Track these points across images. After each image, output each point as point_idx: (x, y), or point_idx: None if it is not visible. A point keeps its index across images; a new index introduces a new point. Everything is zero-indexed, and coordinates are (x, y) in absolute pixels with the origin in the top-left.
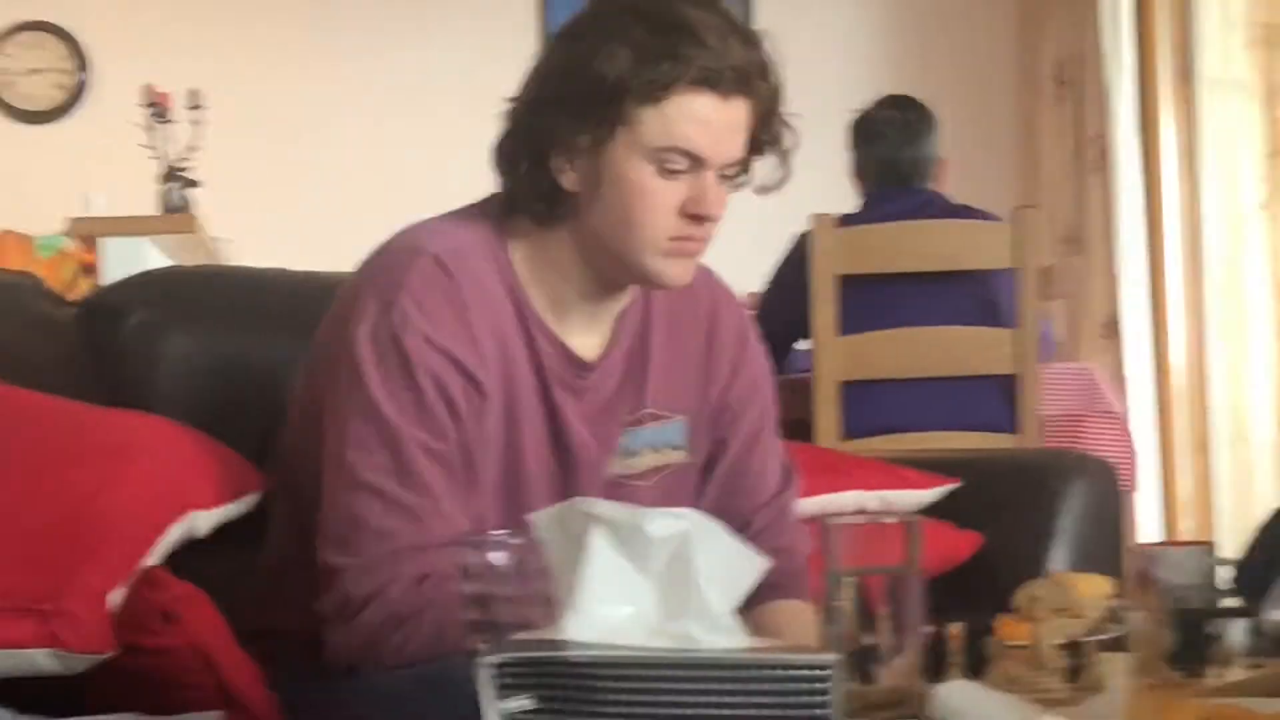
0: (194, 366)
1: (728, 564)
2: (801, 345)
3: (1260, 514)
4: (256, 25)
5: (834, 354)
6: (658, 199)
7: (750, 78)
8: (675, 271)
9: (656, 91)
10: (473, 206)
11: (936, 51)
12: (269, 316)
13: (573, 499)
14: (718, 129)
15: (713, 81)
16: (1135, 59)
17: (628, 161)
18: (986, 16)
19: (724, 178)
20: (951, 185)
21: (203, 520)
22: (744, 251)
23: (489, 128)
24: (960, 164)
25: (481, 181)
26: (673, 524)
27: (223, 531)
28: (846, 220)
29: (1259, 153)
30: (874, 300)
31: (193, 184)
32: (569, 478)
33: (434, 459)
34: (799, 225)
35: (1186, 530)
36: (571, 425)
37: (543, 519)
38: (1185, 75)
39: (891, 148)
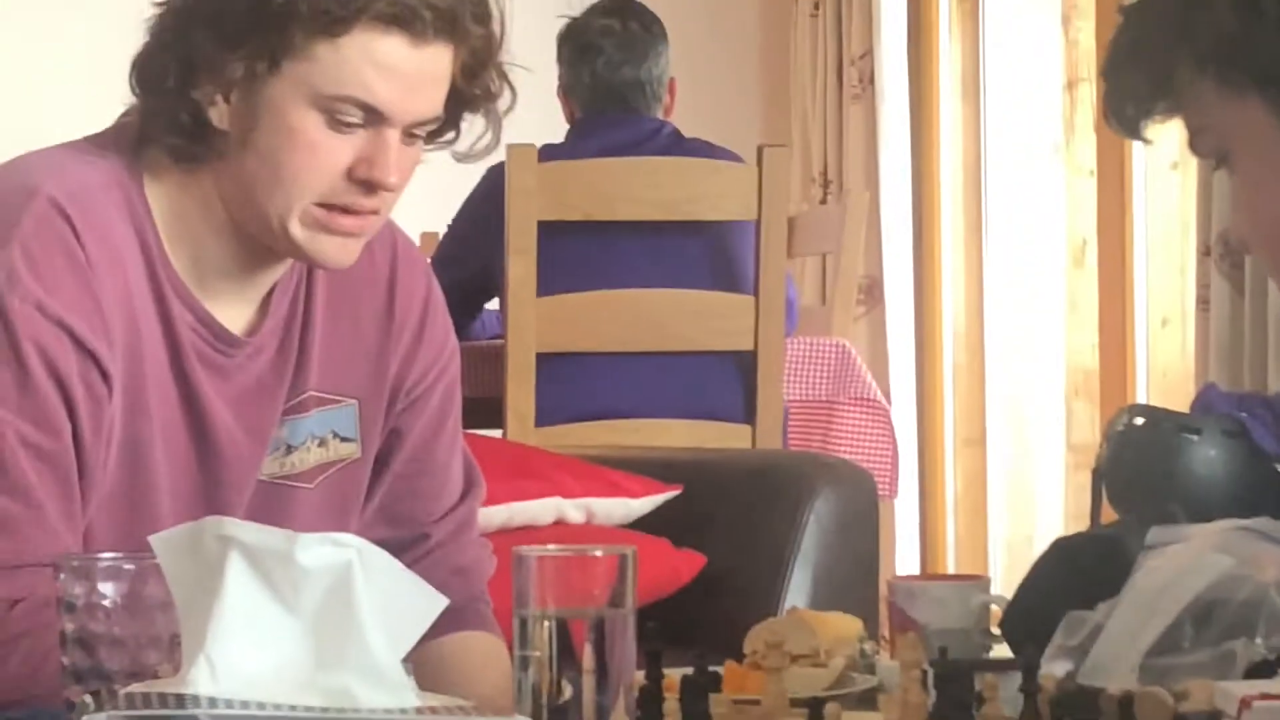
0: None
1: (398, 602)
2: (492, 306)
3: (1044, 524)
4: None
5: (530, 319)
6: (320, 156)
7: (458, 19)
8: (329, 249)
9: (334, 24)
10: (103, 135)
11: None
12: None
13: (204, 519)
14: (407, 80)
15: (405, 20)
16: None
17: (290, 104)
18: None
19: (411, 137)
20: (682, 114)
21: None
22: (425, 185)
23: (102, 34)
24: (693, 87)
25: (95, 112)
26: (331, 552)
27: None
28: (550, 153)
29: (1055, 83)
30: (582, 254)
31: None
32: (211, 480)
33: (39, 458)
34: (494, 156)
35: (954, 543)
36: (214, 411)
37: (165, 541)
38: None
39: (608, 65)
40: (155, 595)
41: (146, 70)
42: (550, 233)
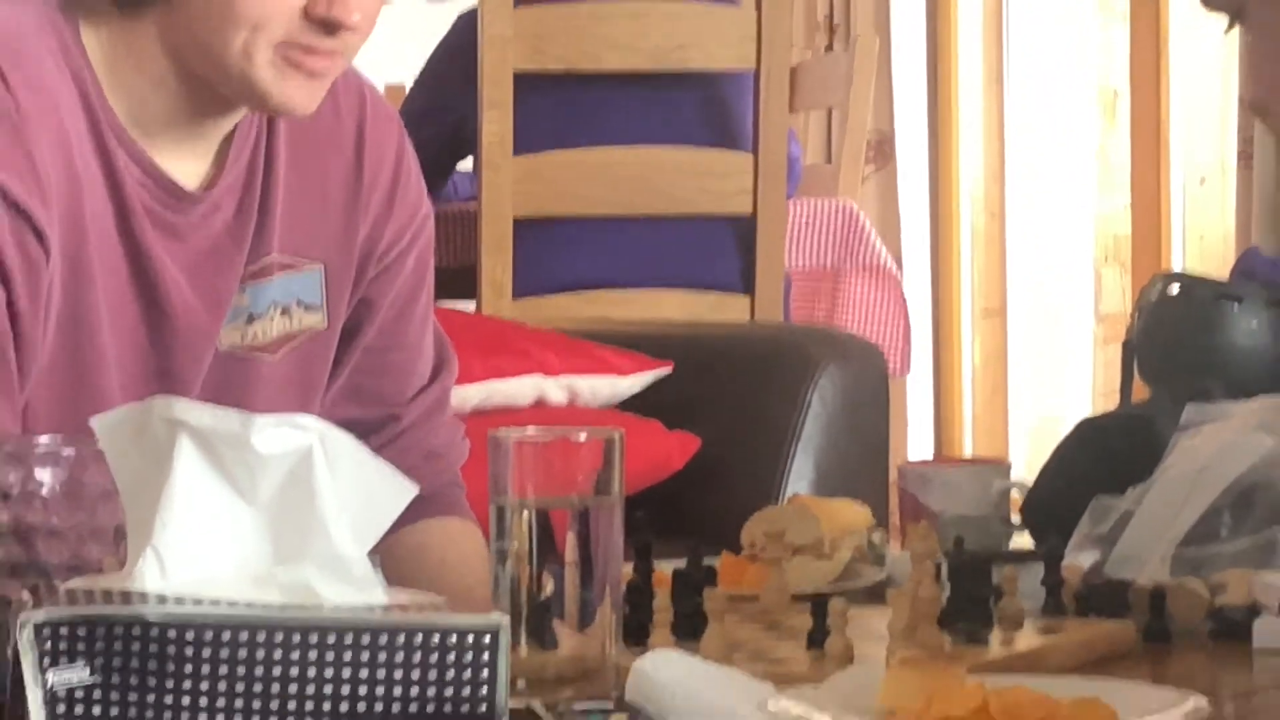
0: None
1: (365, 489)
2: (465, 166)
3: (1071, 403)
4: None
5: (507, 179)
6: None
7: None
8: (290, 93)
9: None
10: None
11: None
12: None
13: (152, 399)
14: None
15: None
16: None
17: None
18: None
19: None
20: None
21: None
22: (390, 32)
23: None
24: None
25: None
26: (291, 436)
27: None
28: None
29: None
30: (563, 107)
31: None
32: (163, 352)
33: None
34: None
35: (972, 424)
36: (167, 277)
37: (109, 424)
38: None
39: None
40: (97, 483)
41: None
42: (528, 85)
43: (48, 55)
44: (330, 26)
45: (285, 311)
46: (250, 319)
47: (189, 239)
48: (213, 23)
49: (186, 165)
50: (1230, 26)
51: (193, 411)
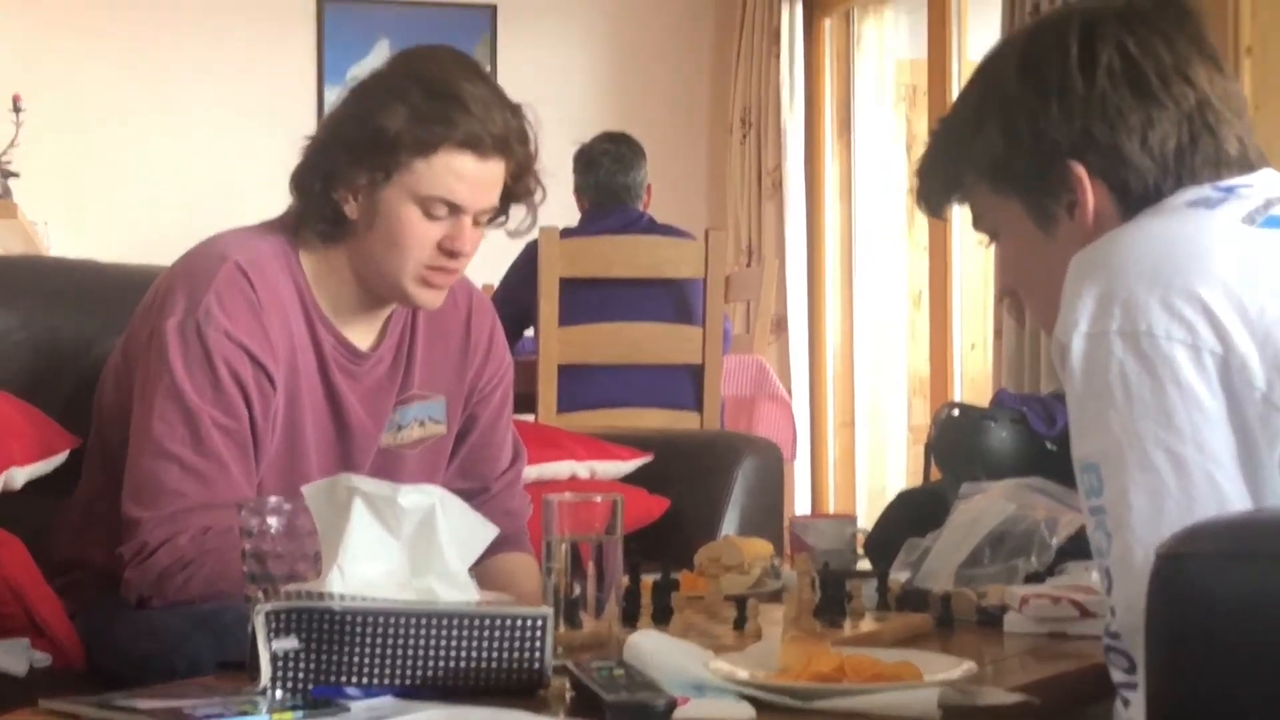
0: (11, 342)
1: (466, 531)
2: (529, 333)
3: (893, 481)
4: (72, 32)
5: (555, 341)
6: (419, 235)
7: (509, 143)
8: (427, 297)
9: (426, 148)
10: (272, 221)
11: (645, 94)
12: (78, 300)
13: (339, 474)
14: (476, 184)
15: (474, 144)
16: (804, 107)
17: (398, 202)
18: (685, 66)
19: (477, 223)
20: (655, 206)
21: (19, 475)
22: (484, 255)
23: (271, 141)
24: (663, 189)
25: (262, 193)
26: (421, 498)
27: (35, 484)
28: (568, 233)
29: (902, 188)
30: (590, 299)
31: (13, 175)
32: (346, 448)
33: (225, 433)
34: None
35: (833, 491)
36: (348, 403)
37: (312, 490)
38: (845, 124)
39: (607, 174)
40: (305, 526)
41: (301, 180)
42: (569, 285)
43: (280, 273)
44: (453, 255)
45: (422, 424)
46: (399, 428)
47: (363, 380)
48: (385, 255)
49: (363, 334)
50: (990, 242)
51: (363, 482)
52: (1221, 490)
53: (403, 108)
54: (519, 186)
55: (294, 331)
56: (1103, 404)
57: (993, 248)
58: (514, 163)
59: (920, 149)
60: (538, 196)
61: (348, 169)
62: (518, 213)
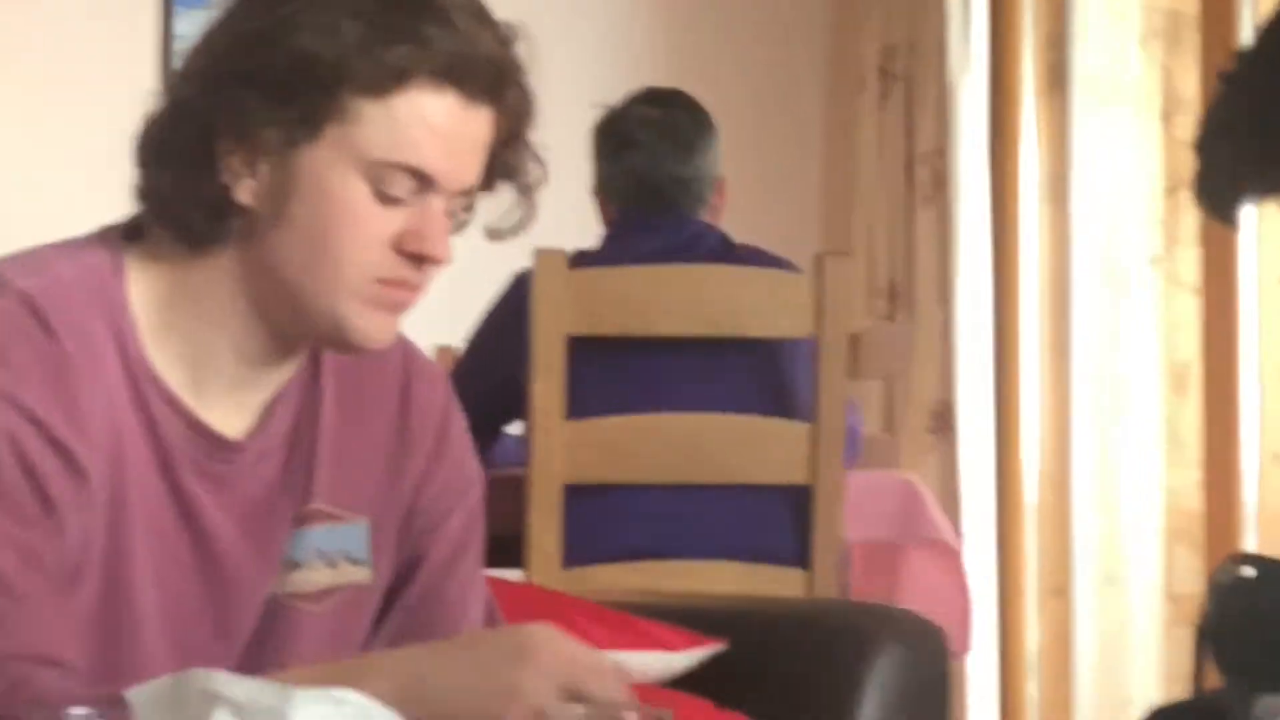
0: None
1: None
2: (514, 429)
3: (1139, 688)
4: None
5: (558, 444)
6: (368, 227)
7: (504, 79)
8: (375, 326)
9: (388, 80)
10: (95, 233)
11: (723, 37)
12: None
13: (190, 670)
14: (457, 142)
15: (459, 75)
16: (989, 52)
17: (334, 171)
18: None
19: (449, 214)
20: (732, 217)
21: None
22: (442, 293)
23: (88, 117)
24: (746, 187)
25: (81, 196)
26: (325, 711)
27: None
28: (583, 259)
29: (1154, 188)
30: (617, 372)
31: None
32: (218, 602)
33: (16, 551)
34: (520, 260)
35: (1037, 706)
36: (213, 525)
37: (144, 696)
38: (1056, 77)
39: (649, 158)
40: None
41: (158, 143)
42: (581, 348)
43: (92, 310)
44: (419, 260)
45: (331, 564)
46: (294, 566)
47: (237, 487)
48: (305, 262)
49: (229, 415)
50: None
51: (230, 685)
52: None
53: (346, 20)
54: (508, 157)
55: (118, 411)
56: None
57: None
58: (505, 117)
59: (1192, 115)
60: (534, 177)
61: (247, 118)
62: (498, 202)
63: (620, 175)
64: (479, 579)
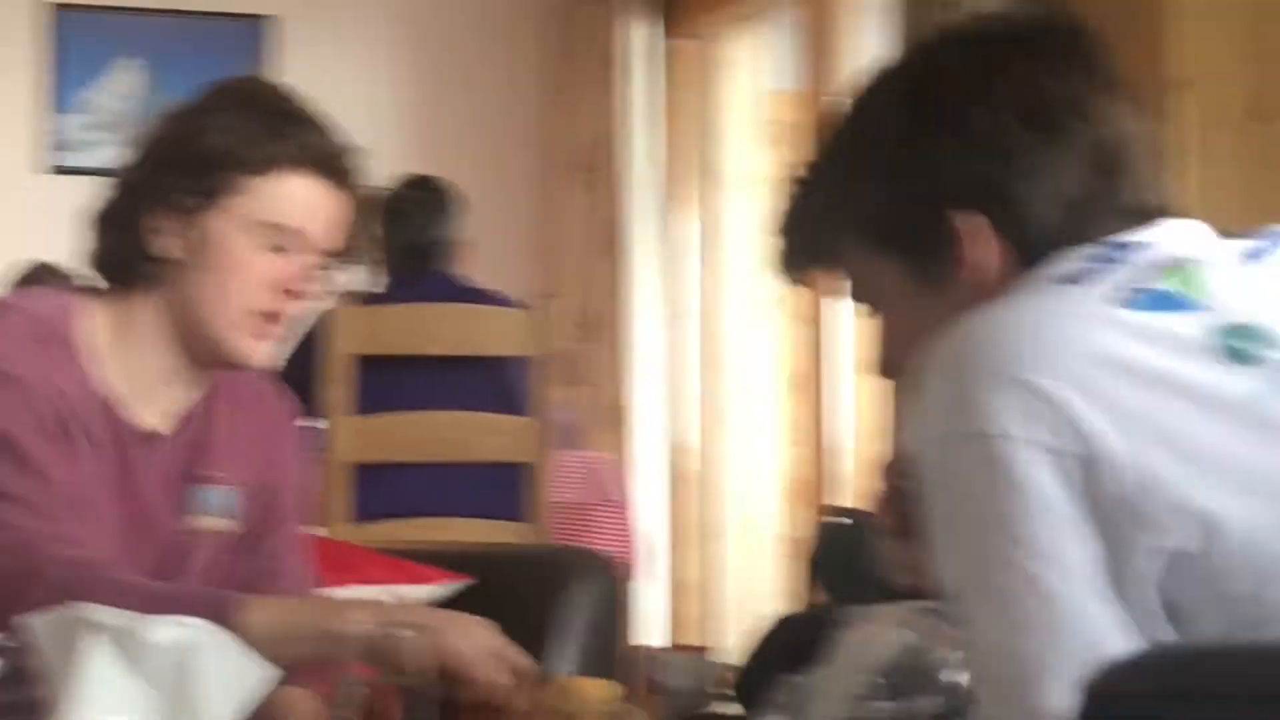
0: None
1: (236, 675)
2: (320, 424)
3: (764, 602)
4: None
5: (347, 434)
6: (253, 271)
7: (351, 174)
8: (259, 351)
9: (267, 165)
10: (58, 288)
11: (461, 130)
12: None
13: (69, 605)
14: (320, 210)
15: (320, 163)
16: (659, 148)
17: (228, 231)
18: (513, 94)
19: (316, 266)
20: (475, 268)
21: None
22: None
23: None
24: (484, 246)
25: None
26: (178, 632)
27: None
28: (372, 299)
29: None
30: (391, 382)
31: None
32: (141, 533)
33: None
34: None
35: (693, 616)
36: (143, 486)
37: (38, 623)
38: (709, 167)
39: (416, 228)
40: (31, 667)
41: (109, 211)
42: (366, 365)
43: (62, 330)
44: (295, 295)
45: (214, 515)
46: (193, 514)
47: (159, 462)
48: (207, 300)
49: (157, 416)
50: (871, 313)
51: (100, 613)
52: (1088, 616)
53: (236, 121)
54: (357, 236)
55: (76, 403)
56: (956, 522)
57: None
58: (355, 201)
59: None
60: (371, 257)
61: (166, 194)
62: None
63: (394, 240)
64: (302, 535)
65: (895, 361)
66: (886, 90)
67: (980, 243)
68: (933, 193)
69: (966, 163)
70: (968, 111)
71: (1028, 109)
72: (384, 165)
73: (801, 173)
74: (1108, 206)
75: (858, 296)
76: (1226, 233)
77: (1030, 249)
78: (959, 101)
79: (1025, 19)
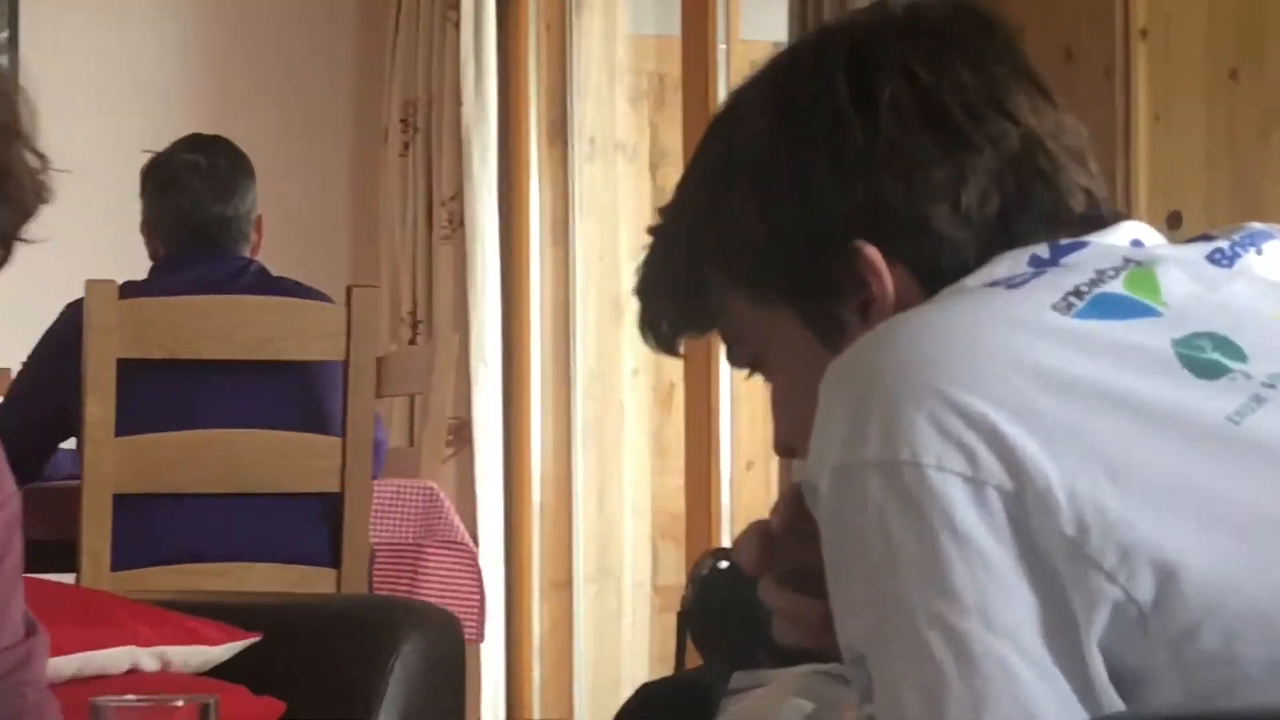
0: None
1: None
2: (68, 445)
3: (630, 668)
4: None
5: (108, 458)
6: None
7: None
8: None
9: None
10: None
11: (255, 82)
12: None
13: None
14: None
15: None
16: (498, 106)
17: None
18: (325, 37)
19: None
20: (269, 252)
21: None
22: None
23: None
24: (282, 225)
25: None
26: None
27: None
28: (132, 289)
29: (642, 230)
30: (163, 393)
31: None
32: None
33: None
34: (74, 292)
35: (539, 686)
36: None
37: None
38: (558, 130)
39: (193, 200)
40: None
41: None
42: (131, 371)
43: None
44: None
45: None
46: None
47: None
48: None
49: None
50: (752, 373)
51: None
52: (1018, 678)
53: None
54: None
55: None
56: (858, 569)
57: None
58: None
59: (675, 167)
60: (25, 191)
61: None
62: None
63: (167, 215)
64: (19, 587)
65: (797, 434)
66: (749, 104)
67: (884, 277)
68: (821, 221)
69: (859, 182)
70: (856, 121)
71: (931, 113)
72: (160, 129)
73: (661, 215)
74: (1041, 216)
75: (739, 359)
76: (1182, 234)
77: (949, 278)
78: (847, 109)
79: (930, 5)
